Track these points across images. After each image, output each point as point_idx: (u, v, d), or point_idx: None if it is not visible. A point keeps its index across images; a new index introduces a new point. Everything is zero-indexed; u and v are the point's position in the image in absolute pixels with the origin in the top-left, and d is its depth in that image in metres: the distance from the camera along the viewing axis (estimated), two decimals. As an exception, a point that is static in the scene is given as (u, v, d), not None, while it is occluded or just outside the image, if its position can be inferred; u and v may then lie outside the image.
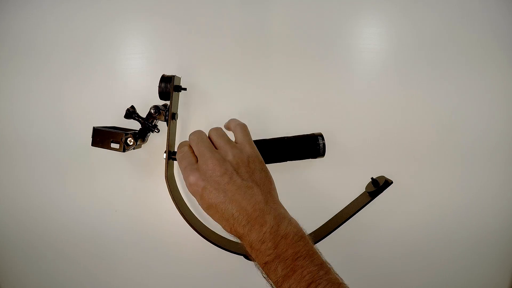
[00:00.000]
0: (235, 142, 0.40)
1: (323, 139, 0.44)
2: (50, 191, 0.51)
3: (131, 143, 0.41)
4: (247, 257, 0.45)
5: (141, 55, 0.48)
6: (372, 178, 0.46)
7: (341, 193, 0.49)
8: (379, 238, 0.51)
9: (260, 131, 0.45)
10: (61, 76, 0.49)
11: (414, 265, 0.52)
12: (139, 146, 0.47)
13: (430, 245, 0.52)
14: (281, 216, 0.35)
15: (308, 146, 0.44)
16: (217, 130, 0.41)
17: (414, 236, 0.51)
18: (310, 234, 0.46)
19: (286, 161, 0.45)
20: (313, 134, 0.45)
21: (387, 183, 0.45)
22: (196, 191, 0.37)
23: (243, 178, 0.36)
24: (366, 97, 0.49)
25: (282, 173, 0.44)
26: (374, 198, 0.46)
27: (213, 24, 0.48)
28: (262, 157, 0.40)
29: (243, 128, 0.41)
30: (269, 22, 0.48)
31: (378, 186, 0.46)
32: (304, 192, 0.50)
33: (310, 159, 0.45)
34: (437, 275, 0.53)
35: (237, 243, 0.44)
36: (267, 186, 0.37)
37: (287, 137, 0.45)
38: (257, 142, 0.43)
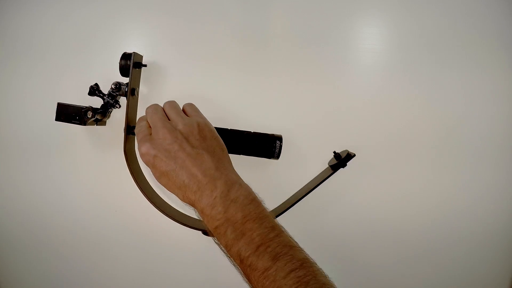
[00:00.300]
0: (186, 114, 0.41)
1: (281, 141, 0.44)
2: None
3: (90, 116, 0.42)
4: (206, 232, 0.45)
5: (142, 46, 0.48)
6: (334, 152, 0.46)
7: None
8: (380, 240, 0.50)
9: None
10: (55, 71, 0.50)
11: (415, 265, 0.51)
12: (104, 123, 0.47)
13: (431, 246, 0.50)
14: (232, 181, 0.36)
15: (264, 146, 0.44)
16: (170, 103, 0.42)
17: (415, 237, 0.50)
18: (272, 210, 0.45)
19: (240, 154, 0.44)
20: (273, 134, 0.45)
21: (349, 156, 0.45)
22: (148, 160, 0.37)
23: (193, 146, 0.37)
24: (367, 98, 0.48)
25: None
26: (336, 171, 0.46)
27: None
28: None
29: (191, 104, 0.43)
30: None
31: (340, 159, 0.46)
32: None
33: (265, 158, 0.44)
34: (430, 273, 0.51)
35: (195, 219, 0.45)
36: (218, 153, 0.38)
37: (246, 132, 0.44)
38: (216, 130, 0.42)
